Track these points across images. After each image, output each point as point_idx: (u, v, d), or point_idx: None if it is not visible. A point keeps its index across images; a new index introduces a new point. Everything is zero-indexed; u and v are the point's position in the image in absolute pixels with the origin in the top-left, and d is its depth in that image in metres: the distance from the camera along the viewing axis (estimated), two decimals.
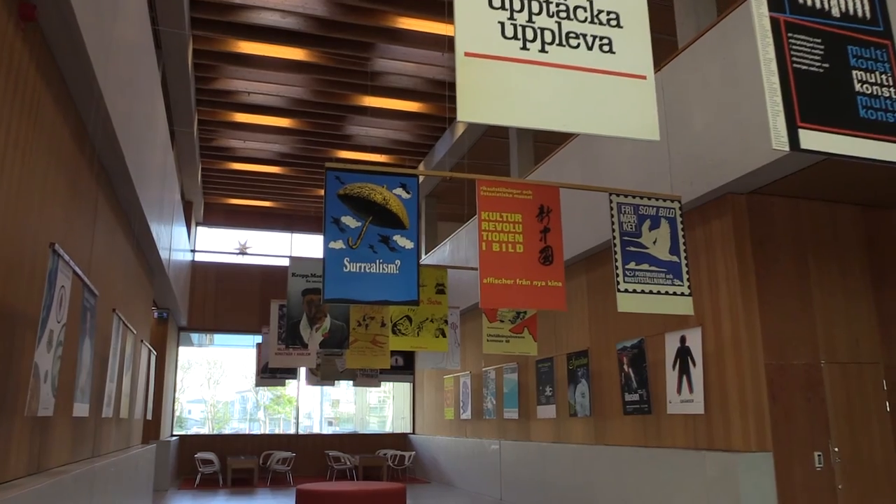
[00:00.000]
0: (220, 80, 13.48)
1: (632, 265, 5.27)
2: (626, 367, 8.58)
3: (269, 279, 17.71)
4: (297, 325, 7.17)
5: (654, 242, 5.40)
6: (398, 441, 18.62)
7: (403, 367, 11.91)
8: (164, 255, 10.88)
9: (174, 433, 17.18)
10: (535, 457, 11.01)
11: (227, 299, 17.71)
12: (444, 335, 7.60)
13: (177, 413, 20.70)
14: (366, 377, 13.88)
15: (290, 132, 15.72)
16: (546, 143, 13.52)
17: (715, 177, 7.10)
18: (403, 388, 19.79)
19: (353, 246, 4.64)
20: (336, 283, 4.51)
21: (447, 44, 12.16)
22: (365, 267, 4.63)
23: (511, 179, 5.24)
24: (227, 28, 11.68)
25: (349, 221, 4.70)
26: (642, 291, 5.27)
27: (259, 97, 14.21)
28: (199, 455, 15.03)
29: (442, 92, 13.87)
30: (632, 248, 5.31)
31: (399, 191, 4.86)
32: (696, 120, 7.43)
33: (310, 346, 7.16)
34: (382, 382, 14.17)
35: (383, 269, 4.62)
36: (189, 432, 19.73)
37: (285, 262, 20.72)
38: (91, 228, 5.99)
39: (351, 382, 14.46)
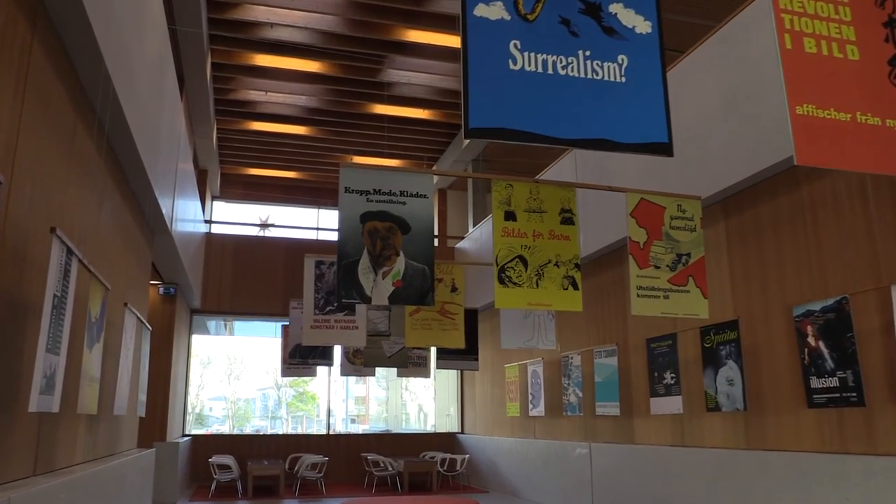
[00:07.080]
0: (237, 7, 11.07)
1: None
2: (811, 339, 6.02)
3: (294, 256, 15.25)
4: (353, 267, 4.48)
5: None
6: (444, 442, 16.11)
7: (467, 350, 9.36)
8: (165, 207, 8.48)
9: (188, 433, 14.80)
10: (646, 465, 8.46)
11: (246, 279, 15.30)
12: (575, 287, 5.02)
13: (197, 410, 18.57)
14: (415, 365, 11.39)
15: (319, 79, 13.31)
16: None
17: None
18: (447, 379, 17.22)
19: (529, 17, 2.06)
20: (492, 94, 1.87)
21: None
22: (554, 62, 2.04)
23: None
24: None
25: None
26: None
27: (284, 31, 11.80)
28: (214, 460, 12.62)
29: None
30: None
31: None
32: None
33: (374, 299, 4.48)
34: (429, 371, 11.49)
35: (594, 71, 2.07)
36: (209, 431, 17.51)
37: (312, 235, 18.39)
38: (14, 90, 3.57)
39: (395, 371, 11.93)
